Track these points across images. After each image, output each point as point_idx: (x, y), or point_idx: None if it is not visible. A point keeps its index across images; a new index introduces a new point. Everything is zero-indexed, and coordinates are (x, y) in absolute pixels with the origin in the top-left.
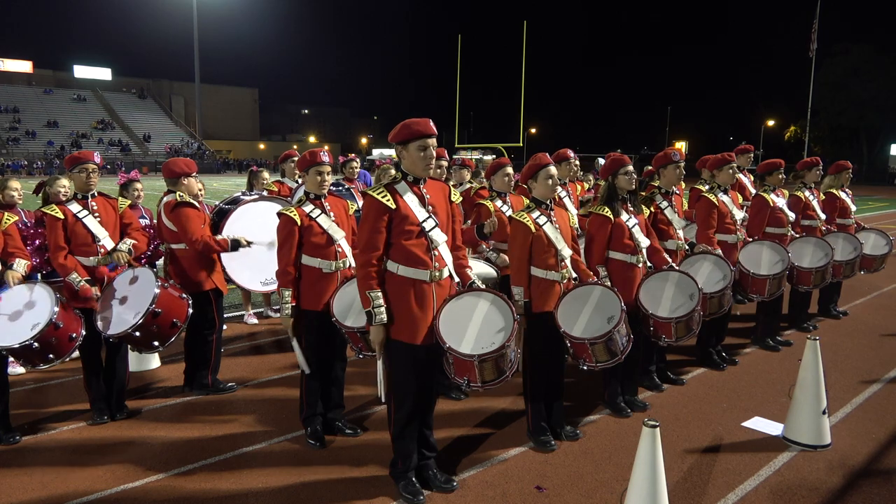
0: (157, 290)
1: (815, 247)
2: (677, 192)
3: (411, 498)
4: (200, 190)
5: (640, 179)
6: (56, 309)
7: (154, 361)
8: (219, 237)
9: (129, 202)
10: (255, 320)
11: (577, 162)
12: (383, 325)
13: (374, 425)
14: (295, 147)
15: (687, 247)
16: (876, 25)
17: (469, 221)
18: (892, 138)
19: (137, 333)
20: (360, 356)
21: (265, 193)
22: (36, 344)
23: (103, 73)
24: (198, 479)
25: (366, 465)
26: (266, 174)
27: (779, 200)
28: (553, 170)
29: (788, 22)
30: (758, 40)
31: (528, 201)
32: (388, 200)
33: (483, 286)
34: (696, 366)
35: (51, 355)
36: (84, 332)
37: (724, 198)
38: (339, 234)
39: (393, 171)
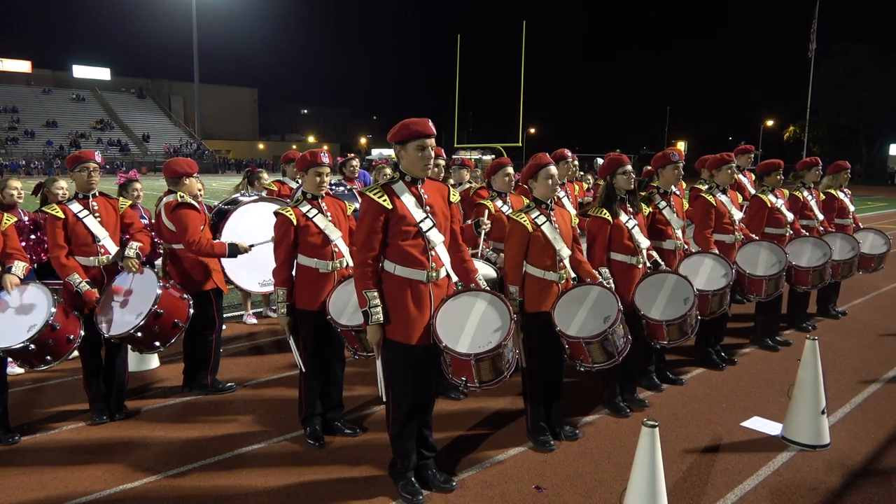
0: (158, 291)
1: (814, 247)
2: (677, 192)
3: (410, 498)
4: (200, 190)
5: (639, 179)
6: (53, 310)
7: (153, 361)
8: (216, 241)
9: (130, 202)
10: (254, 320)
11: (576, 162)
12: (380, 324)
13: (374, 425)
14: (294, 147)
15: (685, 246)
16: (875, 25)
17: (469, 222)
18: (892, 138)
19: (139, 334)
20: (356, 356)
21: (264, 194)
22: (32, 346)
23: (102, 73)
24: (197, 479)
25: (365, 465)
26: (265, 174)
27: (777, 201)
28: (553, 169)
29: (788, 22)
30: (757, 40)
31: (528, 201)
32: (384, 201)
33: (484, 284)
34: (696, 366)
35: (48, 357)
36: (82, 334)
37: (723, 198)
38: (335, 234)
39: (388, 171)
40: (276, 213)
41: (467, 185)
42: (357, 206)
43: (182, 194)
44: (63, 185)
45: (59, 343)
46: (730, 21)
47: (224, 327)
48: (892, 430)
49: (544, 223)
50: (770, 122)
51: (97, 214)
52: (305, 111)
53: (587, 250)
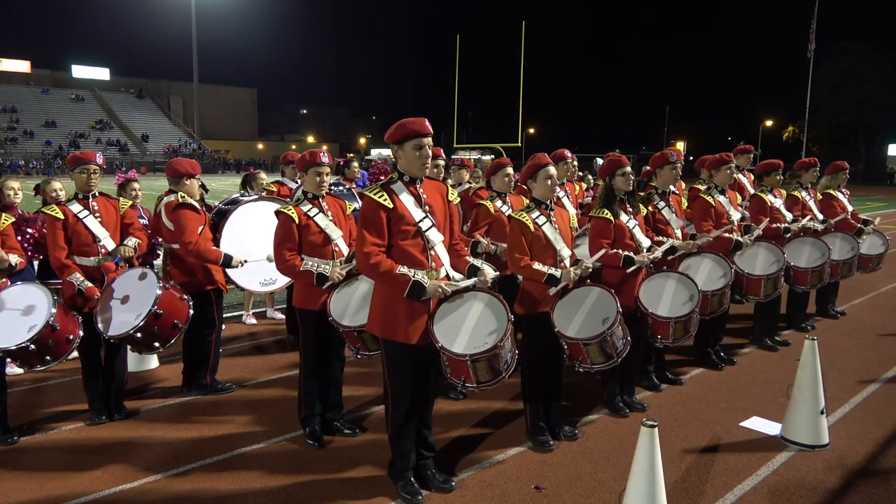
0: (158, 292)
1: (813, 247)
2: (676, 191)
3: (410, 498)
4: (205, 191)
5: (638, 179)
6: (53, 311)
7: (153, 361)
8: (213, 248)
9: (130, 202)
10: (253, 320)
11: (575, 162)
12: (427, 283)
13: (373, 425)
14: (293, 147)
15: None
16: (874, 24)
17: (469, 222)
18: (891, 138)
19: (139, 335)
20: (358, 356)
21: (264, 194)
22: (32, 346)
23: (101, 73)
24: (196, 480)
25: (364, 465)
26: (263, 175)
27: (776, 201)
28: (553, 170)
29: (787, 21)
30: (756, 40)
31: (527, 201)
32: (384, 200)
33: (485, 272)
34: (695, 366)
35: (48, 357)
36: (82, 334)
37: (722, 198)
38: (336, 234)
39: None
40: (278, 213)
41: (466, 186)
42: (357, 205)
43: (183, 194)
44: (57, 187)
45: (58, 343)
46: (729, 21)
47: (224, 327)
48: (891, 430)
49: (545, 223)
50: (769, 123)
51: (97, 214)
52: (304, 111)
53: (589, 250)
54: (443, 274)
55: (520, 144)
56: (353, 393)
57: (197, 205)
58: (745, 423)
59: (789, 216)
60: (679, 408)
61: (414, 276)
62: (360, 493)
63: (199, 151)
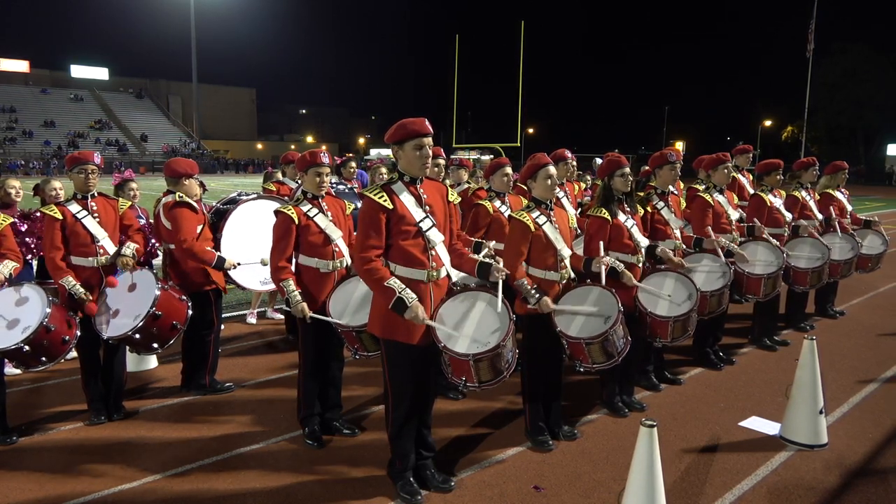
0: (157, 293)
1: (812, 247)
2: (675, 191)
3: (409, 498)
4: (201, 193)
5: (637, 179)
6: (48, 311)
7: (152, 362)
8: (208, 249)
9: (129, 203)
10: (253, 320)
11: (574, 162)
12: (415, 301)
13: (372, 425)
14: (293, 147)
15: (684, 246)
16: (874, 23)
17: (468, 223)
18: (890, 138)
19: (137, 336)
20: (356, 356)
21: (262, 193)
22: (27, 347)
23: (100, 73)
24: (195, 480)
25: (364, 465)
26: (280, 176)
27: (776, 201)
28: (552, 170)
29: (786, 21)
30: (755, 40)
31: (526, 201)
32: (384, 201)
33: (497, 267)
34: (694, 366)
35: (44, 358)
36: (78, 335)
37: (720, 197)
38: (336, 234)
39: (384, 170)
40: (277, 212)
41: (465, 186)
42: (357, 205)
43: (181, 194)
44: (56, 186)
45: (53, 344)
46: (728, 21)
47: (223, 327)
48: (890, 429)
49: (545, 223)
50: (768, 123)
51: (96, 215)
52: (304, 111)
53: (584, 249)
54: (443, 274)
55: (519, 144)
56: (352, 393)
57: (195, 205)
58: (744, 423)
59: (789, 216)
60: (678, 408)
61: (400, 293)
62: (360, 493)
63: (199, 151)
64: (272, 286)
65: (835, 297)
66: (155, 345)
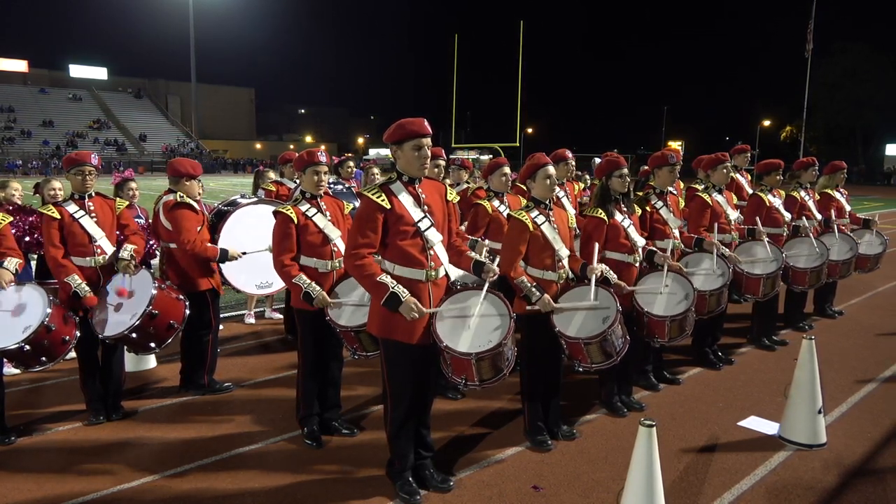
0: (153, 292)
1: (811, 247)
2: (674, 191)
3: (408, 497)
4: (200, 193)
5: (636, 179)
6: (49, 311)
7: (150, 361)
8: (210, 245)
9: (127, 203)
10: (252, 320)
11: (573, 162)
12: (408, 295)
13: (371, 425)
14: (292, 147)
15: (683, 245)
16: (874, 22)
17: (468, 223)
18: (889, 138)
19: (134, 335)
20: (355, 356)
21: (262, 195)
22: (27, 347)
23: (99, 73)
24: (194, 480)
25: (363, 465)
26: (272, 174)
27: (775, 200)
28: (551, 169)
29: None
30: (754, 39)
31: (525, 201)
32: (382, 200)
33: (490, 266)
34: (693, 365)
35: (44, 358)
36: (78, 335)
37: (719, 197)
38: (335, 234)
39: (376, 170)
40: (276, 213)
41: (465, 186)
42: (355, 204)
43: (181, 194)
44: (56, 186)
45: (54, 344)
46: (727, 20)
47: (221, 327)
48: (889, 429)
49: (544, 223)
50: (767, 122)
51: (93, 215)
52: (303, 111)
53: (581, 249)
54: (442, 273)
55: (518, 144)
56: (351, 393)
57: (196, 205)
58: (743, 423)
59: (788, 216)
60: (677, 407)
61: (393, 288)
62: (359, 493)
63: (197, 151)
64: (267, 291)
65: (833, 297)
66: (152, 344)
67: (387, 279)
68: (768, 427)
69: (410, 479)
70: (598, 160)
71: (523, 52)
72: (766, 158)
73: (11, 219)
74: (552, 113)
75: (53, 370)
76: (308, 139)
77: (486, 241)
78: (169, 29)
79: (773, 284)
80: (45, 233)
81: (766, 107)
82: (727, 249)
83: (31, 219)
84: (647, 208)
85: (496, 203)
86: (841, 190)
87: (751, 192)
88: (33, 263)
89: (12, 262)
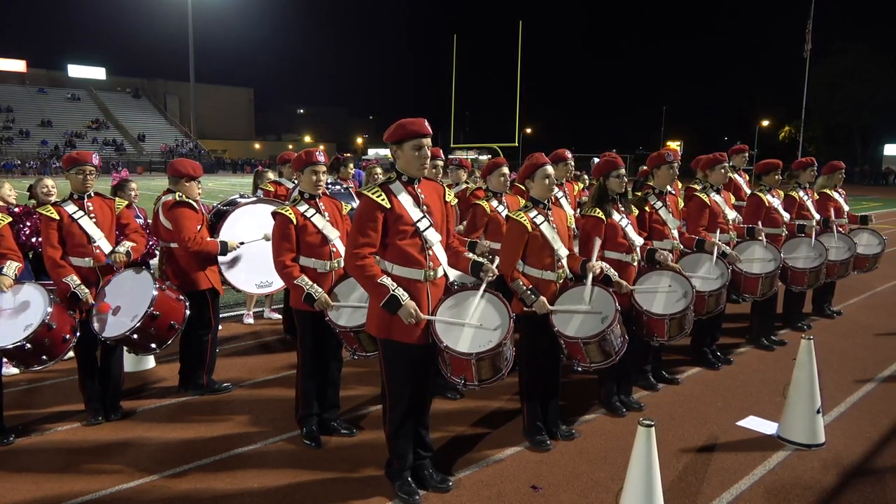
0: (154, 293)
1: (809, 247)
2: (672, 191)
3: (407, 498)
4: (199, 193)
5: (635, 179)
6: (49, 310)
7: (149, 361)
8: (210, 240)
9: (126, 202)
10: (251, 320)
11: (572, 162)
12: (408, 299)
13: (370, 425)
14: (290, 147)
15: (682, 246)
16: (874, 22)
17: (466, 223)
18: (888, 138)
19: (135, 336)
20: (355, 357)
21: (261, 195)
22: (28, 345)
23: (98, 73)
24: (193, 480)
25: (362, 465)
26: (271, 174)
27: (774, 200)
28: (550, 169)
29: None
30: (753, 39)
31: (524, 201)
32: (382, 200)
33: (489, 267)
34: (691, 365)
35: (44, 356)
36: (78, 334)
37: (717, 197)
38: (333, 234)
39: (379, 170)
40: (275, 214)
41: (464, 186)
42: (354, 205)
43: (181, 194)
44: (48, 184)
45: (54, 343)
46: (726, 20)
47: (220, 327)
48: (887, 429)
49: (542, 223)
50: (765, 122)
51: (92, 215)
52: (302, 111)
53: (580, 248)
54: (440, 273)
55: (517, 144)
56: (350, 393)
57: (195, 204)
58: (742, 423)
59: (787, 216)
60: (676, 407)
61: (393, 291)
62: (358, 493)
63: (196, 151)
64: (268, 290)
65: (832, 297)
66: (153, 345)
67: (387, 281)
68: (767, 427)
69: (409, 479)
70: (596, 160)
71: (522, 51)
72: (765, 158)
73: (10, 219)
74: (551, 113)
75: (52, 370)
76: (307, 139)
77: (487, 242)
78: (168, 29)
79: (772, 284)
80: (43, 233)
81: (765, 106)
82: (728, 248)
83: (35, 217)
84: (646, 208)
85: (495, 203)
86: (839, 190)
87: (749, 192)
88: (29, 263)
89: (11, 267)
